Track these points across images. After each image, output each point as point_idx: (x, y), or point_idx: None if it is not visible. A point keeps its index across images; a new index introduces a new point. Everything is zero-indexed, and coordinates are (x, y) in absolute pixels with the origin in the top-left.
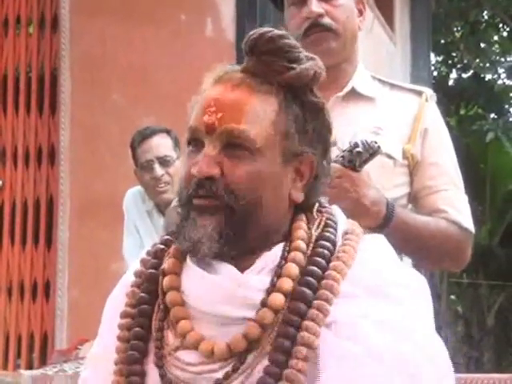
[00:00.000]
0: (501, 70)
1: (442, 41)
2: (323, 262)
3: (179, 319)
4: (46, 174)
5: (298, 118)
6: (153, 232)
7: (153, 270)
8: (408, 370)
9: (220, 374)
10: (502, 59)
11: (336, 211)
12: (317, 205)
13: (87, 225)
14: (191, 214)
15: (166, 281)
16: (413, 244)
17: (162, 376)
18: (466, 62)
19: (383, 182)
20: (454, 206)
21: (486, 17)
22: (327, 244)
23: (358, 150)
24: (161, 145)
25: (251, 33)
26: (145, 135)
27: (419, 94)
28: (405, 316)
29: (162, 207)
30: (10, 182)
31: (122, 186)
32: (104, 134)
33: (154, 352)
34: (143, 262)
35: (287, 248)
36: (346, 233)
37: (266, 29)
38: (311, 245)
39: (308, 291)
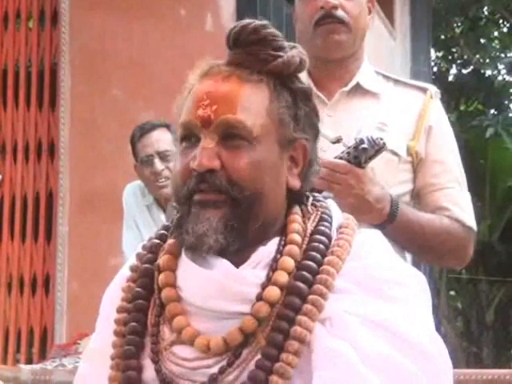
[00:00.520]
0: (501, 66)
1: (442, 36)
2: (318, 256)
3: (175, 315)
4: (46, 169)
5: (290, 105)
6: (152, 226)
7: (148, 265)
8: (400, 373)
9: (215, 369)
10: (502, 55)
11: (331, 205)
12: (311, 198)
13: (87, 219)
14: (193, 209)
15: (161, 277)
16: (416, 241)
17: (158, 371)
18: (466, 57)
19: (387, 178)
20: (457, 203)
21: (486, 12)
22: (322, 238)
23: (363, 146)
24: (161, 139)
25: (232, 27)
26: (145, 130)
27: (424, 90)
28: (400, 315)
29: (161, 202)
30: (10, 177)
31: (122, 180)
32: (104, 128)
33: (149, 347)
34: (139, 256)
35: (282, 242)
36: (340, 227)
37: (247, 20)
38: (306, 239)
39: (303, 286)
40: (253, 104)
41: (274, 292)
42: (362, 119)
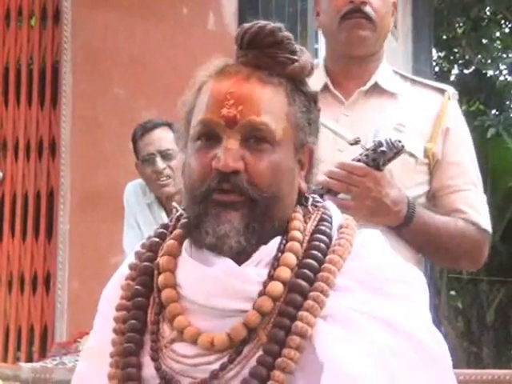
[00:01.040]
0: (502, 67)
1: (444, 36)
2: (319, 254)
3: (175, 316)
4: (47, 167)
5: (305, 109)
6: (153, 225)
7: (147, 263)
8: (401, 368)
9: (216, 366)
10: (504, 55)
11: (330, 206)
12: (311, 199)
13: (88, 217)
14: (212, 209)
15: (160, 279)
16: (431, 243)
17: (158, 368)
18: (467, 57)
19: (405, 180)
20: (473, 206)
21: (488, 13)
22: (323, 237)
23: (382, 149)
24: (162, 138)
25: (247, 27)
26: (146, 128)
27: (442, 92)
28: (402, 312)
29: (162, 200)
30: (11, 175)
31: (123, 178)
32: (105, 126)
33: (149, 345)
34: (138, 254)
35: (284, 241)
36: (341, 227)
37: (263, 22)
38: (307, 237)
39: (304, 283)
40: (274, 107)
41: (276, 287)
42: (379, 119)
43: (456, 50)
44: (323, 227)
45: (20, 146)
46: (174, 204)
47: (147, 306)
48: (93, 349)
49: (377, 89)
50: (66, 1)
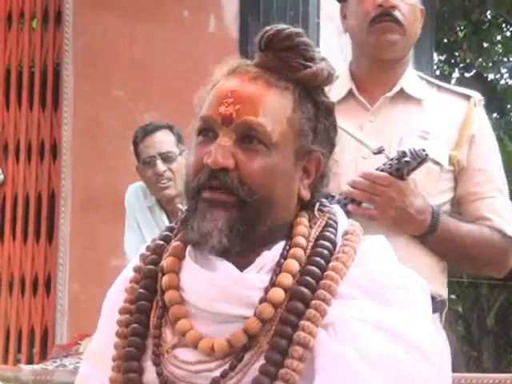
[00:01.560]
0: (503, 70)
1: (445, 40)
2: (322, 261)
3: (178, 318)
4: (48, 169)
5: (312, 117)
6: (154, 227)
7: (152, 266)
8: (402, 378)
9: (217, 373)
10: (505, 59)
11: (337, 211)
12: (318, 204)
13: (89, 219)
14: (200, 206)
15: (164, 279)
16: (455, 251)
17: (159, 374)
18: (468, 61)
19: (429, 188)
20: (498, 213)
21: (489, 16)
22: (327, 244)
23: (406, 159)
24: (163, 141)
25: (267, 29)
26: (147, 131)
27: (467, 98)
28: (404, 320)
29: (163, 203)
30: (12, 176)
31: (124, 181)
32: (106, 129)
33: (151, 349)
34: (142, 257)
35: (287, 247)
36: (346, 233)
37: (282, 26)
38: (311, 243)
39: (306, 291)
40: (276, 110)
41: (278, 294)
42: (404, 126)
43: (457, 54)
44: (328, 233)
45: (21, 147)
46: (179, 206)
47: (150, 309)
48: (96, 351)
49: (402, 95)
50: (67, 3)
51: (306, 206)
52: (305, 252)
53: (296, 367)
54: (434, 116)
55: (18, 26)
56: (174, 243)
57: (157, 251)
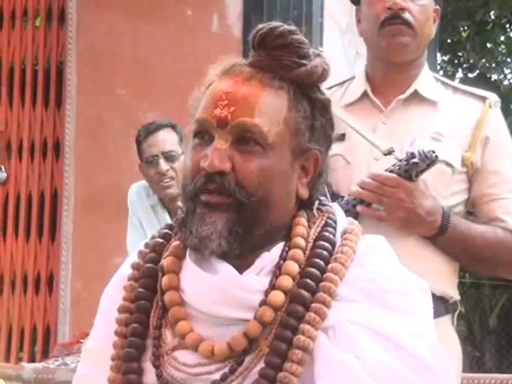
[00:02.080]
0: (507, 71)
1: (449, 40)
2: (322, 263)
3: (178, 320)
4: (51, 168)
5: (308, 115)
6: (157, 226)
7: (151, 265)
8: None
9: (217, 376)
10: (509, 59)
11: (336, 209)
12: (317, 203)
13: (91, 218)
14: (198, 209)
15: (164, 280)
16: (467, 253)
17: (159, 376)
18: (472, 61)
19: (441, 190)
20: None
21: (492, 17)
22: (326, 245)
23: (414, 160)
24: (166, 140)
25: (260, 27)
26: (150, 130)
27: (483, 99)
28: (404, 326)
29: (166, 202)
30: (15, 175)
31: (127, 180)
32: (109, 127)
33: (151, 350)
34: (141, 254)
35: (286, 248)
36: (345, 232)
37: (275, 23)
38: (310, 244)
39: (306, 293)
40: (271, 110)
41: (278, 297)
42: (417, 128)
43: (460, 54)
44: (327, 233)
45: (24, 146)
46: (180, 204)
47: (150, 309)
48: (93, 350)
49: (416, 97)
50: (71, 1)
51: (304, 204)
52: (304, 253)
53: (295, 371)
54: (447, 118)
55: (22, 24)
56: (175, 242)
57: (156, 249)
